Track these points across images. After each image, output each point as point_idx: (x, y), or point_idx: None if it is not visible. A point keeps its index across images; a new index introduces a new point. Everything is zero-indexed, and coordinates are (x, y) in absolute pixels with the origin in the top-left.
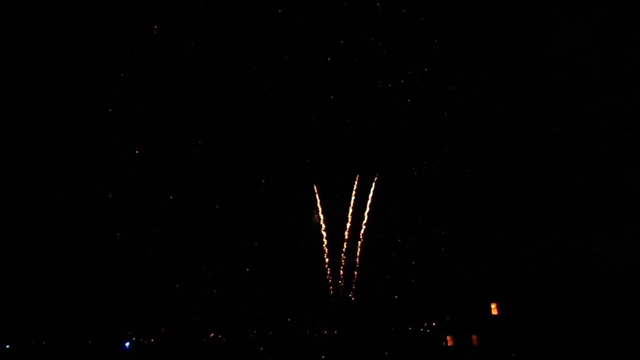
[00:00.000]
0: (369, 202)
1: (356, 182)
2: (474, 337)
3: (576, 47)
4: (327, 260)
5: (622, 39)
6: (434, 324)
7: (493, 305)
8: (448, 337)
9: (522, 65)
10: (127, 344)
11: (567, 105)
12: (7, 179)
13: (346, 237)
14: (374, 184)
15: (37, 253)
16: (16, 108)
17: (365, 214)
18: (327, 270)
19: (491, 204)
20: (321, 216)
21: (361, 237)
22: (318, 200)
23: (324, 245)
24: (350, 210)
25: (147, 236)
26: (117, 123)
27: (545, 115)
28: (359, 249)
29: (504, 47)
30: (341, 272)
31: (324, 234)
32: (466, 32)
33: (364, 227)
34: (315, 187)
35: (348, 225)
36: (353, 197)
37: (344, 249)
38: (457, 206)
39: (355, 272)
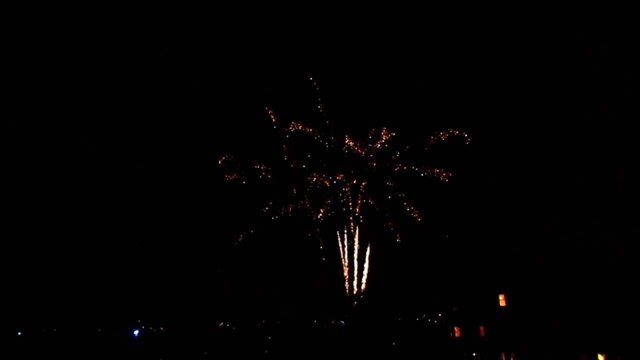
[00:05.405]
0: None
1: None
2: (482, 328)
3: None
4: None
5: None
6: (440, 315)
7: (501, 297)
8: (455, 328)
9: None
10: (137, 332)
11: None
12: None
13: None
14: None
15: (49, 246)
16: None
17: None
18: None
19: (497, 198)
20: None
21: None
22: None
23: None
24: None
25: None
26: None
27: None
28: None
29: None
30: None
31: None
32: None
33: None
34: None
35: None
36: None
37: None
38: (464, 200)
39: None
